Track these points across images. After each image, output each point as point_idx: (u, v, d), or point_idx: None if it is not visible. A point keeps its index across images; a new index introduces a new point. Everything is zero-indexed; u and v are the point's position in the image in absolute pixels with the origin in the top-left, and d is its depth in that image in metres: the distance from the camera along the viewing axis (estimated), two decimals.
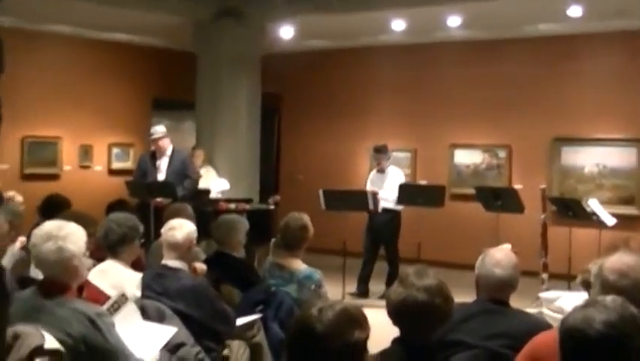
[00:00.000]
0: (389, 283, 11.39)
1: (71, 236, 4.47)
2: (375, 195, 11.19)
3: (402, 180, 11.86)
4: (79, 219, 5.24)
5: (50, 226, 4.49)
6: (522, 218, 11.30)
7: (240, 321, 6.00)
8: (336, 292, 10.57)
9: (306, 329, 2.93)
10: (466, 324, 4.47)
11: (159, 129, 11.42)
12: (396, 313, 3.65)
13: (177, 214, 7.06)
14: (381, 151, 11.94)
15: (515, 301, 4.80)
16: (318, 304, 3.01)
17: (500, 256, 4.67)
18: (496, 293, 4.61)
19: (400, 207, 11.54)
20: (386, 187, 11.57)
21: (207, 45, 13.71)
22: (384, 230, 11.61)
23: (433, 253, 11.85)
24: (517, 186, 12.32)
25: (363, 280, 11.72)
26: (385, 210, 11.43)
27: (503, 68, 13.71)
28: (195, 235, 6.05)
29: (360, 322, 2.98)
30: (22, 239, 6.52)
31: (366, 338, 2.99)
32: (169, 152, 11.35)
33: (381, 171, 11.89)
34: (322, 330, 2.90)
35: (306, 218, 6.69)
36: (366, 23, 13.39)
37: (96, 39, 14.68)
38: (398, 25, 12.82)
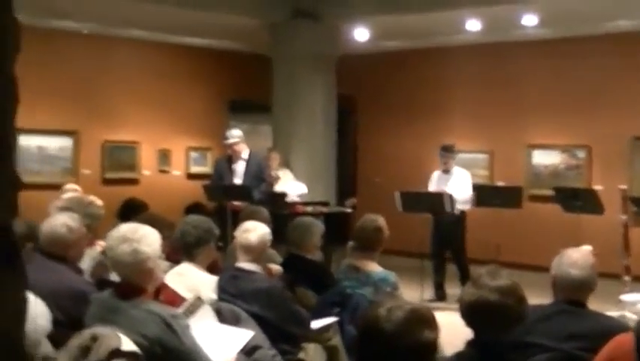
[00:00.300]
0: (463, 284, 11.29)
1: (146, 238, 4.51)
2: (452, 196, 11.07)
3: (469, 181, 11.67)
4: (154, 221, 5.30)
5: (125, 228, 4.54)
6: (602, 219, 11.10)
7: (317, 324, 6.00)
8: (414, 295, 10.51)
9: (375, 328, 2.89)
10: (542, 326, 4.40)
11: (234, 133, 11.48)
12: (469, 315, 3.60)
13: (253, 217, 7.07)
14: (449, 150, 11.78)
15: (597, 304, 4.71)
16: (386, 304, 2.98)
17: (577, 257, 4.58)
18: (572, 294, 4.52)
19: (466, 208, 11.40)
20: (451, 188, 11.38)
21: (282, 47, 13.77)
22: (450, 232, 11.46)
23: (511, 255, 11.71)
24: (596, 187, 12.11)
25: (439, 285, 11.57)
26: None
27: (581, 66, 13.48)
28: (269, 237, 6.05)
29: (429, 322, 2.94)
30: (102, 243, 6.61)
31: (436, 338, 2.94)
32: (245, 155, 11.41)
33: (447, 171, 11.72)
34: (391, 330, 2.86)
35: (381, 220, 6.66)
36: (441, 23, 13.30)
37: (172, 43, 14.84)
38: (473, 24, 12.72)
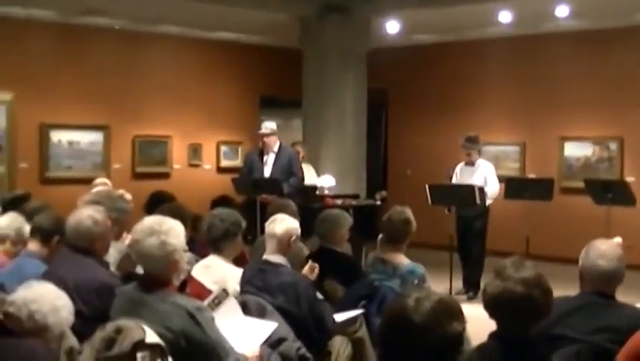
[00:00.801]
0: (472, 281, 11.19)
1: (173, 230, 4.51)
2: (482, 189, 10.98)
3: (494, 173, 11.52)
4: (176, 212, 5.32)
5: (151, 221, 4.54)
6: (634, 212, 11.00)
7: (342, 316, 5.97)
8: (443, 288, 10.47)
9: (403, 320, 2.83)
10: (569, 318, 4.34)
11: (268, 125, 11.46)
12: (493, 307, 3.53)
13: (281, 210, 7.06)
14: (473, 141, 11.56)
15: (628, 297, 4.66)
16: (413, 295, 2.92)
17: (605, 248, 4.51)
18: (601, 286, 4.46)
19: (488, 202, 11.27)
20: (475, 181, 11.25)
21: (313, 41, 13.74)
22: (472, 226, 11.33)
23: (542, 248, 11.64)
24: (629, 179, 12.00)
25: (467, 279, 11.49)
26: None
27: (613, 58, 13.34)
28: (297, 231, 6.01)
29: (457, 313, 2.88)
30: (129, 236, 6.62)
31: (463, 330, 2.88)
32: (276, 148, 11.39)
33: (471, 163, 11.53)
34: (420, 321, 2.80)
35: (408, 212, 6.62)
36: (472, 16, 13.23)
37: (203, 38, 14.87)
38: (505, 16, 12.63)
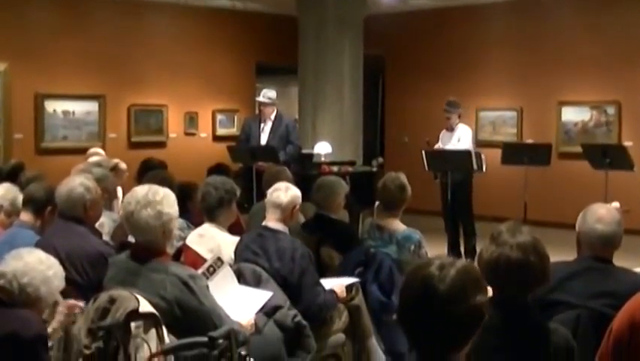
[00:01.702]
0: (467, 248, 11.17)
1: (167, 199, 4.45)
2: (479, 154, 10.92)
3: (469, 136, 11.50)
4: (162, 180, 5.28)
5: (144, 191, 4.45)
6: (632, 176, 10.97)
7: (334, 282, 5.92)
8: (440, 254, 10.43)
9: (428, 289, 2.66)
10: (568, 283, 4.30)
11: (270, 94, 11.39)
12: (489, 273, 3.45)
13: (277, 177, 7.02)
14: (452, 105, 11.60)
15: (626, 262, 4.62)
16: (436, 262, 2.74)
17: (603, 212, 4.46)
18: (598, 251, 4.41)
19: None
20: (453, 144, 11.24)
21: (309, 8, 13.63)
22: (456, 192, 11.21)
23: (540, 213, 11.59)
24: (627, 143, 11.95)
25: (453, 245, 11.39)
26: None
27: (611, 20, 13.21)
28: (300, 200, 5.96)
29: (481, 283, 2.76)
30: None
31: (487, 301, 2.75)
32: (273, 116, 11.34)
33: (450, 128, 11.56)
34: (445, 291, 2.64)
35: (402, 177, 6.55)
36: None
37: (199, 6, 14.76)
38: None
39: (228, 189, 5.94)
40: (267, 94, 11.42)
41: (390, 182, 6.52)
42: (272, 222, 5.80)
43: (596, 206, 4.54)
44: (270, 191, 5.96)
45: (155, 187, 4.53)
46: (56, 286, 4.11)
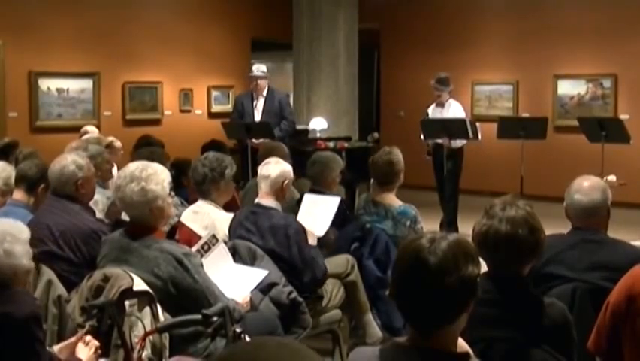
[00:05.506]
0: (449, 221, 11.09)
1: (154, 177, 4.40)
2: (474, 122, 10.84)
3: (463, 114, 11.36)
4: (152, 157, 5.24)
5: (133, 167, 4.44)
6: (630, 149, 10.94)
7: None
8: (436, 229, 10.41)
9: (418, 261, 2.67)
10: (562, 256, 4.29)
11: (261, 68, 11.33)
12: (480, 246, 3.44)
13: (272, 153, 6.95)
14: (443, 82, 11.44)
15: (625, 234, 4.60)
16: (428, 235, 2.75)
17: (586, 184, 4.46)
18: (585, 222, 4.42)
19: (462, 143, 11.09)
20: None
21: None
22: (446, 166, 11.03)
23: (536, 187, 11.58)
24: (623, 117, 11.91)
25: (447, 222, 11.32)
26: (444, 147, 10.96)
27: None
28: (291, 175, 5.89)
29: (473, 255, 2.75)
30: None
31: (479, 273, 2.75)
32: (265, 92, 11.27)
33: (441, 104, 11.44)
34: (436, 262, 2.65)
35: (395, 152, 6.50)
36: None
37: None
38: None
39: (215, 166, 5.85)
40: (259, 67, 11.37)
41: (379, 158, 6.50)
42: (264, 199, 5.74)
43: (580, 178, 4.55)
44: (260, 166, 5.93)
45: (146, 164, 4.50)
46: (22, 253, 3.73)
